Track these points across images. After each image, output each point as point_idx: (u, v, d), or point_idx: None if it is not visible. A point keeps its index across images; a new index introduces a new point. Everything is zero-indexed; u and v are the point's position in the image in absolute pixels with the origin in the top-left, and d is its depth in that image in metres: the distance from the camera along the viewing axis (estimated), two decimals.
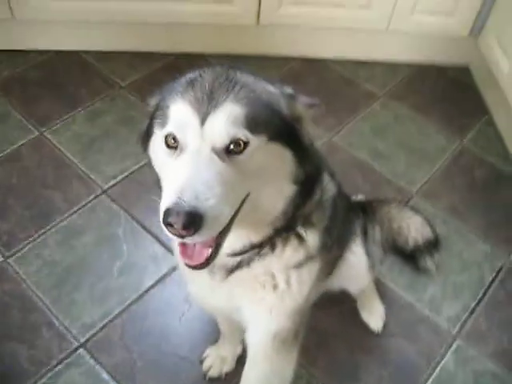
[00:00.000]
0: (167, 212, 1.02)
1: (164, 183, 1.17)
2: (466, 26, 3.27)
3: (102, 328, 2.20)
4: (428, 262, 2.37)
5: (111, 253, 2.42)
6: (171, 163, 1.12)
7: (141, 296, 2.29)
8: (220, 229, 1.10)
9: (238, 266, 1.35)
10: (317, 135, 1.32)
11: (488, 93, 3.32)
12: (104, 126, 2.94)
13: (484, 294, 2.43)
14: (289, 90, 1.25)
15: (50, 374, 2.09)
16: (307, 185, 1.27)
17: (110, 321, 2.22)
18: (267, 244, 1.32)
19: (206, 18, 3.17)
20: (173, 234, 1.04)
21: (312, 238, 1.37)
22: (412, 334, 2.27)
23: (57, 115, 2.98)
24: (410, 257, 2.38)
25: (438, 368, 2.19)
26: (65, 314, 2.24)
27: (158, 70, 3.27)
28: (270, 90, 1.19)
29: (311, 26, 3.28)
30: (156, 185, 1.29)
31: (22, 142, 2.86)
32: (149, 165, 1.30)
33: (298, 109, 1.22)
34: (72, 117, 2.98)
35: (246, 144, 1.10)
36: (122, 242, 2.45)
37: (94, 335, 2.19)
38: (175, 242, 1.26)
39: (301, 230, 1.35)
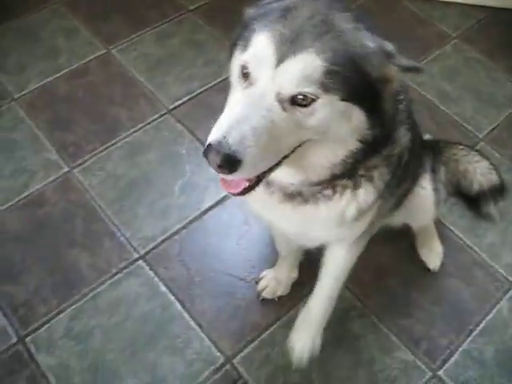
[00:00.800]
0: (209, 147, 1.02)
1: (226, 105, 1.14)
2: None
3: (161, 242, 2.26)
4: (492, 208, 2.32)
5: (174, 171, 2.45)
6: (238, 91, 1.10)
7: (200, 215, 2.33)
8: (257, 174, 1.10)
9: (299, 195, 1.34)
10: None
11: None
12: (171, 47, 2.93)
13: None
14: (389, 46, 1.13)
15: (109, 282, 2.17)
16: (377, 144, 1.21)
17: (170, 236, 2.27)
18: (328, 186, 1.30)
19: None
20: (210, 166, 1.04)
21: (365, 193, 1.34)
22: (468, 277, 2.26)
23: (125, 34, 2.99)
24: (474, 201, 2.34)
25: (493, 312, 2.18)
26: (126, 226, 2.30)
27: None
28: (366, 45, 1.09)
29: None
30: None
31: (89, 58, 2.88)
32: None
33: (390, 70, 1.12)
34: (140, 37, 2.98)
35: (314, 99, 1.05)
36: (184, 162, 2.48)
37: (153, 248, 2.24)
38: None
39: (359, 180, 1.31)
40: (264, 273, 2.16)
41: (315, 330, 1.94)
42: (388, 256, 2.25)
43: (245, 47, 1.09)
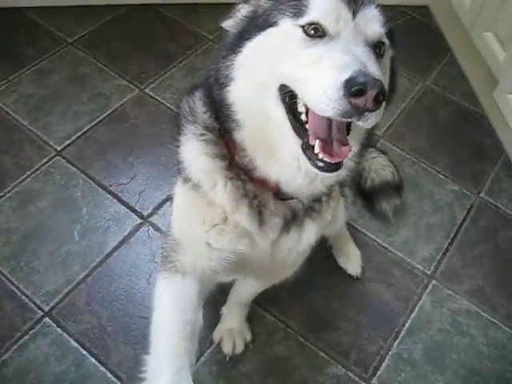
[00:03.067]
0: (353, 80, 0.91)
1: (295, 73, 1.03)
2: None
3: (66, 294, 2.10)
4: (384, 205, 2.31)
5: (70, 216, 2.29)
6: (312, 52, 1.02)
7: (105, 258, 2.19)
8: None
9: (296, 215, 1.27)
10: None
11: (449, 31, 3.25)
12: (53, 84, 2.76)
13: (456, 233, 2.41)
14: None
15: (14, 347, 1.99)
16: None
17: (75, 286, 2.12)
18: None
19: None
20: (353, 107, 0.92)
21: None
22: (388, 278, 2.24)
23: (1, 77, 2.79)
24: (369, 200, 2.33)
25: (416, 309, 2.17)
26: (26, 284, 2.12)
27: (107, 24, 3.08)
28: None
29: None
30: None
31: None
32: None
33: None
34: (18, 77, 2.79)
35: (384, 50, 1.07)
36: (81, 205, 2.33)
37: (58, 303, 2.08)
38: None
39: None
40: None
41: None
42: (305, 270, 2.18)
43: (299, 13, 1.06)
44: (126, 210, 2.32)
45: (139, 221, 2.29)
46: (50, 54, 2.90)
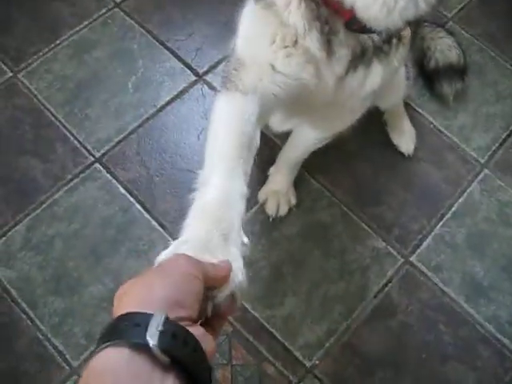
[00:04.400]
0: None
1: None
2: None
3: (117, 143, 2.12)
4: (445, 88, 2.22)
5: (126, 68, 2.27)
6: None
7: (157, 111, 2.19)
8: None
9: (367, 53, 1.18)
10: None
11: None
12: None
13: None
14: None
15: (65, 188, 2.04)
16: None
17: (126, 136, 2.14)
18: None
19: None
20: None
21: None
22: (439, 160, 2.19)
23: None
24: (431, 79, 2.24)
25: (464, 195, 2.13)
26: (79, 129, 2.15)
27: None
28: None
29: None
30: None
31: None
32: None
33: None
34: None
35: None
36: (137, 57, 2.30)
37: (109, 150, 2.11)
38: None
39: None
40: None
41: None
42: (356, 142, 2.14)
43: None
44: (182, 66, 2.28)
45: (194, 78, 2.26)
46: None
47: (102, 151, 2.11)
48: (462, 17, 2.57)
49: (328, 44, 1.13)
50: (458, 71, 2.24)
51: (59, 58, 2.30)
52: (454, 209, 2.10)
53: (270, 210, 2.00)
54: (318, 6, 1.09)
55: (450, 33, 2.29)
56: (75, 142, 2.12)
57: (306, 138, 1.70)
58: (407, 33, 1.20)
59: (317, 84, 1.21)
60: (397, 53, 1.23)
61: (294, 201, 2.02)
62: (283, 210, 2.00)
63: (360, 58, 1.18)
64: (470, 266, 2.02)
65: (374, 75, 1.23)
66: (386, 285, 1.95)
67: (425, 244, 2.03)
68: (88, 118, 2.17)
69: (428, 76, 2.26)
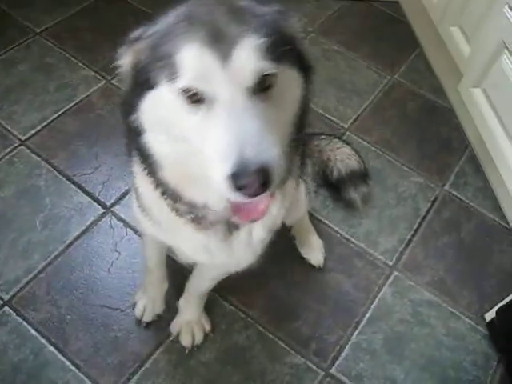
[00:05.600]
0: (235, 176, 0.90)
1: (186, 147, 1.02)
2: None
3: (26, 284, 2.08)
4: (351, 194, 2.33)
5: (33, 206, 2.27)
6: (196, 122, 0.97)
7: (66, 248, 2.17)
8: (281, 175, 0.99)
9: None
10: None
11: (418, 26, 3.28)
12: (19, 74, 2.73)
13: (419, 224, 2.43)
14: (277, 6, 1.09)
15: None
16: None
17: (35, 276, 2.10)
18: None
19: None
20: (245, 195, 0.92)
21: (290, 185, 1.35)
22: (349, 268, 2.25)
23: None
24: (336, 189, 2.35)
25: (376, 300, 2.19)
26: None
27: (76, 14, 3.06)
28: (269, 11, 1.05)
29: None
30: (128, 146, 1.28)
31: None
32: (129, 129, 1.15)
33: (296, 26, 1.11)
34: None
35: (275, 76, 0.99)
36: (44, 194, 2.30)
37: (18, 291, 2.06)
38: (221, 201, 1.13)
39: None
40: (137, 296, 2.05)
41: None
42: (266, 259, 2.19)
43: (172, 76, 0.97)
44: (89, 199, 2.30)
45: (102, 210, 2.28)
46: (17, 44, 2.87)
47: (11, 293, 2.06)
48: (358, 126, 2.74)
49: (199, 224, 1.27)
50: (361, 176, 2.36)
51: None
52: (368, 315, 2.15)
53: (185, 341, 1.98)
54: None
55: (347, 142, 2.43)
56: None
57: (209, 272, 1.74)
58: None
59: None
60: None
61: (208, 327, 2.02)
62: (199, 339, 1.99)
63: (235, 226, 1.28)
64: (390, 371, 2.05)
65: (257, 229, 1.31)
66: None
67: (343, 354, 2.05)
68: None
69: (333, 186, 2.36)
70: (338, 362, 2.03)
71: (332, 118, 2.77)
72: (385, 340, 2.10)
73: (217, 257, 1.40)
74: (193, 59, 0.95)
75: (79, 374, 1.92)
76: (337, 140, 2.38)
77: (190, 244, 1.39)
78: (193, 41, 0.95)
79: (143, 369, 1.94)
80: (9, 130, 2.50)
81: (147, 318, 2.02)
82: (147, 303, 2.02)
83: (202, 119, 0.97)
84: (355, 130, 2.72)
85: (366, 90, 2.94)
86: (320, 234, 2.30)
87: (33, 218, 2.24)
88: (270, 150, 0.92)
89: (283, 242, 2.20)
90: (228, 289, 1.92)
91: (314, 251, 2.25)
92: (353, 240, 2.33)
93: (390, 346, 2.09)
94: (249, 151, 0.90)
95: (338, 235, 2.34)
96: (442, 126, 2.83)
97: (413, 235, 2.39)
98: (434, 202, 2.51)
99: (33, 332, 1.99)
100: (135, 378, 1.92)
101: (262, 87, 0.98)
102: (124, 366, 1.94)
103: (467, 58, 2.64)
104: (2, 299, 2.05)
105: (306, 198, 2.02)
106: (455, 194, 2.56)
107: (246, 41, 0.95)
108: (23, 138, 2.48)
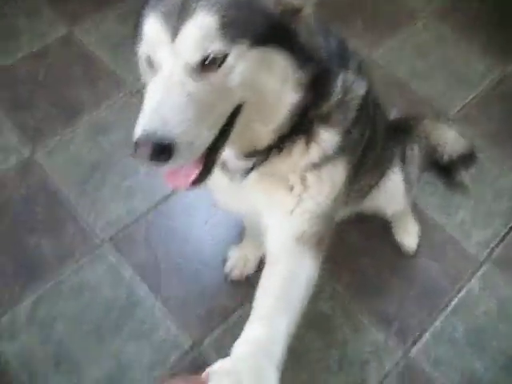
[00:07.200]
0: (135, 144, 0.96)
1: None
2: None
3: (126, 226, 2.19)
4: (464, 176, 2.29)
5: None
6: (150, 82, 1.04)
7: (167, 197, 2.26)
8: (199, 153, 1.02)
9: (254, 168, 1.27)
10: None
11: None
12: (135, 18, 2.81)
13: None
14: None
15: (73, 267, 2.10)
16: (318, 86, 1.14)
17: (136, 219, 2.20)
18: (275, 148, 1.22)
19: None
20: (144, 165, 0.98)
21: (328, 137, 1.24)
22: (440, 256, 2.24)
23: (88, 13, 2.88)
24: (447, 172, 2.31)
25: (463, 291, 2.16)
26: (89, 210, 2.22)
27: None
28: None
29: None
30: None
31: (51, 39, 2.77)
32: None
33: (291, 2, 1.06)
34: (103, 15, 2.87)
35: (223, 58, 1.00)
36: None
37: (118, 233, 2.17)
38: None
39: (316, 129, 1.23)
40: (230, 252, 2.11)
41: None
42: (360, 235, 2.21)
43: (141, 40, 1.06)
44: None
45: None
46: None
47: (112, 233, 2.17)
48: (463, 116, 2.69)
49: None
50: (469, 158, 2.31)
51: (76, 139, 2.40)
52: (453, 304, 2.13)
53: None
54: None
55: (450, 125, 2.37)
56: (85, 222, 2.19)
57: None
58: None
59: None
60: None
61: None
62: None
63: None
64: (469, 362, 2.03)
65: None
66: (383, 379, 1.96)
67: (424, 339, 2.05)
68: (99, 200, 2.25)
69: (443, 169, 2.32)
70: (417, 346, 2.03)
71: (438, 104, 2.72)
72: (467, 331, 2.08)
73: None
74: (148, 30, 1.03)
75: (168, 318, 2.01)
76: (442, 124, 2.33)
77: (227, 194, 1.45)
78: (152, 14, 1.02)
79: (228, 322, 2.01)
80: (123, 78, 2.59)
81: (235, 276, 2.08)
82: (238, 262, 2.08)
83: (150, 82, 1.03)
84: (460, 119, 2.67)
85: (476, 79, 2.86)
86: (414, 217, 2.29)
87: (137, 164, 2.32)
88: (179, 127, 0.95)
89: (377, 220, 2.22)
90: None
91: (409, 236, 2.25)
92: (447, 228, 2.31)
93: (471, 338, 2.07)
94: (155, 123, 0.95)
95: (433, 222, 2.32)
96: None
97: (507, 232, 2.34)
98: None
99: (128, 273, 2.09)
100: (219, 329, 1.99)
101: (217, 63, 1.00)
102: (210, 317, 2.02)
103: None
104: (103, 237, 2.15)
105: (403, 197, 2.01)
106: None
107: (194, 18, 0.98)
108: (137, 87, 2.56)
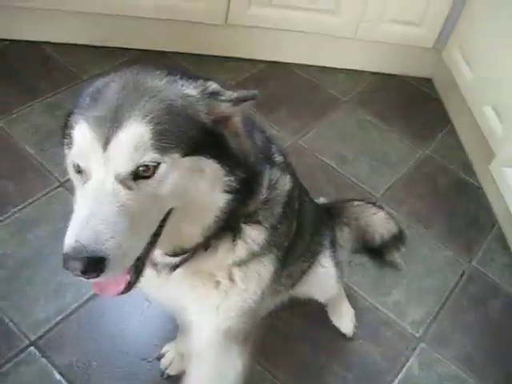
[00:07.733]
0: (66, 257, 0.93)
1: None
2: (432, 38, 3.33)
3: (55, 325, 2.08)
4: (396, 256, 2.34)
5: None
6: (79, 189, 1.03)
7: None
8: (131, 262, 1.01)
9: (180, 264, 1.26)
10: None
11: (450, 103, 3.37)
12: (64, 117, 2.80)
13: (447, 298, 2.43)
14: (213, 85, 1.09)
15: None
16: (245, 187, 1.15)
17: (65, 317, 2.10)
18: (202, 246, 1.22)
19: (173, 14, 3.11)
20: (75, 275, 0.95)
21: (254, 234, 1.26)
22: (377, 337, 2.24)
23: (14, 105, 2.85)
24: (378, 253, 2.35)
25: (403, 371, 2.16)
26: (15, 310, 2.10)
27: (121, 65, 3.16)
28: (186, 93, 1.06)
29: (279, 29, 3.25)
30: None
31: None
32: None
33: (220, 108, 1.08)
34: (30, 107, 2.85)
35: (156, 166, 1.00)
36: None
37: (46, 332, 2.06)
38: None
39: (243, 227, 1.25)
40: (166, 347, 2.03)
41: None
42: (296, 321, 2.19)
43: (70, 144, 1.04)
44: None
45: None
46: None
47: (39, 333, 2.04)
48: (389, 197, 2.80)
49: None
50: (400, 237, 2.36)
51: (1, 235, 2.31)
52: None
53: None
54: None
55: (381, 207, 2.44)
56: (11, 323, 2.06)
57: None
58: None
59: None
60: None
61: None
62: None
63: None
64: None
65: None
66: None
67: None
68: (26, 298, 2.13)
69: (374, 251, 2.35)
70: None
71: (364, 187, 2.82)
72: None
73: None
74: (78, 138, 1.00)
75: None
76: (371, 205, 2.40)
77: (153, 288, 1.39)
78: (83, 121, 1.00)
79: None
80: (49, 171, 2.55)
81: (171, 372, 2.00)
82: (175, 357, 2.01)
83: (80, 188, 1.02)
84: (386, 200, 2.76)
85: (398, 162, 3.00)
86: (349, 300, 2.29)
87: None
88: (111, 240, 0.93)
89: (312, 305, 2.21)
90: (257, 349, 1.90)
91: (344, 319, 2.24)
92: (381, 309, 2.33)
93: None
94: (86, 237, 0.93)
95: (367, 303, 2.34)
96: (471, 202, 2.88)
97: (440, 308, 2.38)
98: (461, 276, 2.52)
99: (57, 376, 1.96)
100: None
101: (148, 173, 1.00)
102: None
103: (500, 137, 2.69)
104: (29, 339, 2.04)
105: (335, 283, 2.03)
106: (482, 270, 2.57)
107: (127, 127, 0.97)
108: (63, 179, 2.51)
